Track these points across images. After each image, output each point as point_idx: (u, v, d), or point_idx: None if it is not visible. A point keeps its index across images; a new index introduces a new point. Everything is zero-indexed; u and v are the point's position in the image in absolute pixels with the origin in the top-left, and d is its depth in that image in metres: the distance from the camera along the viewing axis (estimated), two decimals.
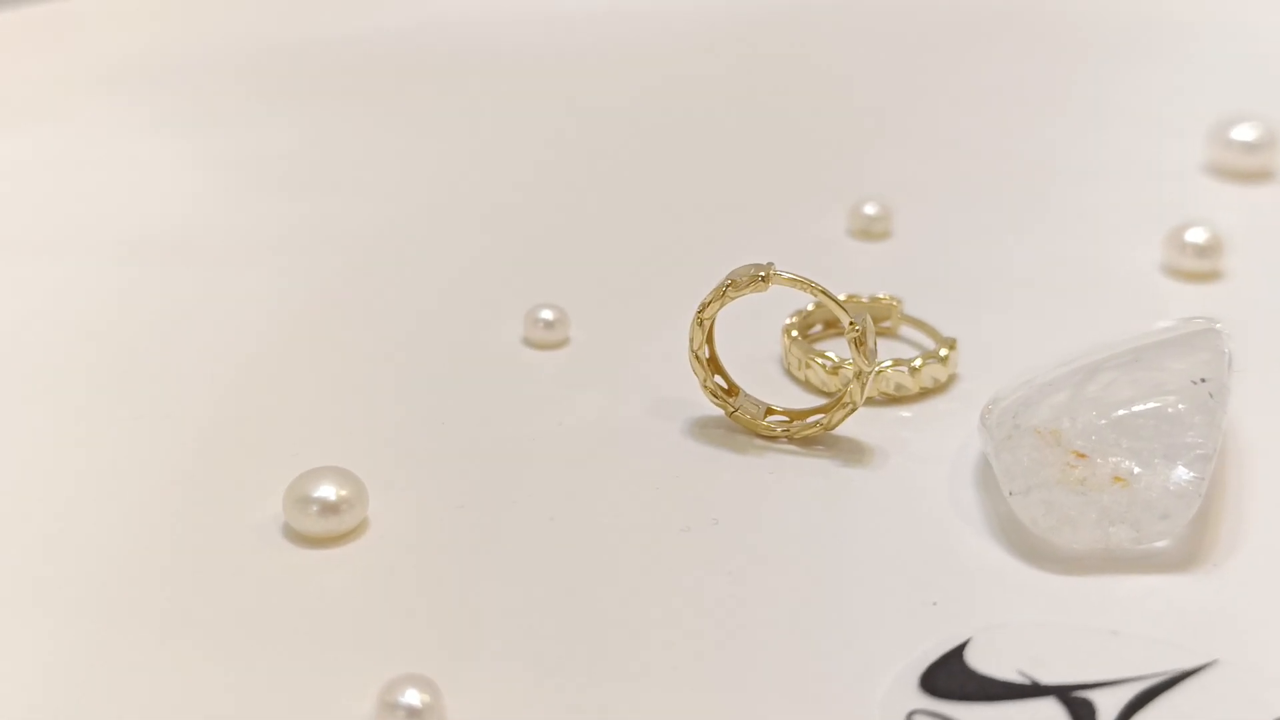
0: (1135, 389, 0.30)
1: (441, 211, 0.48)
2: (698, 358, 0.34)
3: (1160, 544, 0.31)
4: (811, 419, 0.34)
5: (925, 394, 0.36)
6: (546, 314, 0.38)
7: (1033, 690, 0.27)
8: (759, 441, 0.34)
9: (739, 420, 0.34)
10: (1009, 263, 0.43)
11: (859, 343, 0.32)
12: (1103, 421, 0.30)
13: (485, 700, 0.27)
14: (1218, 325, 0.34)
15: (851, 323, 0.32)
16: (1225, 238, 0.41)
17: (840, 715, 0.26)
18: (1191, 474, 0.29)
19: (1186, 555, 0.30)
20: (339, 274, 0.43)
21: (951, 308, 0.39)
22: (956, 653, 0.28)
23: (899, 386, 0.35)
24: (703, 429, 0.35)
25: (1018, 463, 0.30)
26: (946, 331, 0.37)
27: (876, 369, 0.33)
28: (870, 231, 0.44)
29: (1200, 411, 0.30)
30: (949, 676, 0.27)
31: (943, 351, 0.36)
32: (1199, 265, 0.41)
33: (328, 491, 0.31)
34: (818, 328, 0.38)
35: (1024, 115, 0.56)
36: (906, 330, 0.39)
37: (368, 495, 0.31)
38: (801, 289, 0.33)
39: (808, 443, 0.34)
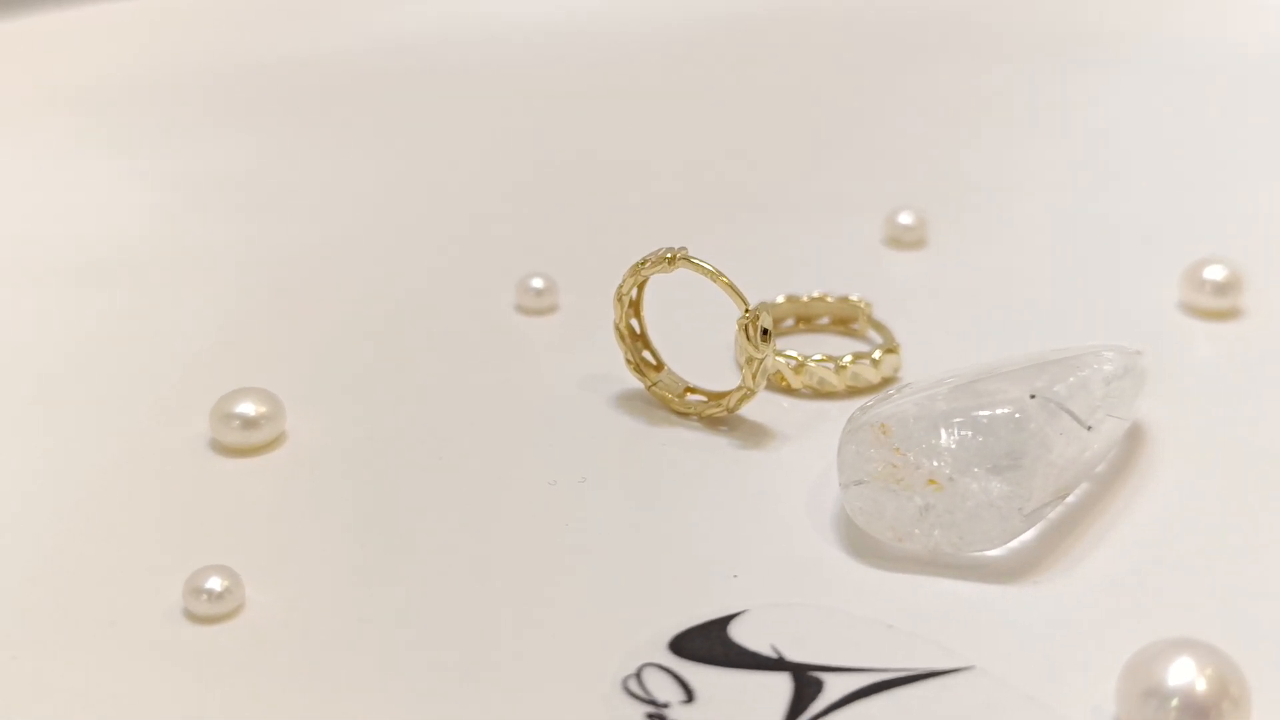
0: (978, 399, 0.30)
1: (393, 230, 0.49)
2: (620, 332, 0.36)
3: (992, 553, 0.31)
4: (714, 402, 0.35)
5: (855, 393, 0.36)
6: (537, 282, 0.41)
7: (773, 664, 0.28)
8: (674, 417, 0.36)
9: (656, 394, 0.36)
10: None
11: (747, 330, 0.34)
12: (930, 424, 0.30)
13: (292, 591, 0.30)
14: (1136, 350, 0.34)
15: (746, 310, 0.34)
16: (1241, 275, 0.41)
17: (593, 662, 0.28)
18: (1007, 488, 0.29)
19: (1015, 569, 0.30)
20: (282, 293, 0.44)
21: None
22: (721, 622, 0.29)
23: (822, 381, 0.36)
24: (631, 401, 0.37)
25: (851, 456, 0.31)
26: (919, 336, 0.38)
27: (770, 356, 0.34)
28: (902, 240, 0.45)
29: (1031, 428, 0.30)
30: (703, 641, 0.29)
31: (876, 354, 0.37)
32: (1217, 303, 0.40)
33: (247, 408, 0.35)
34: (789, 321, 0.39)
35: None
36: (874, 334, 0.39)
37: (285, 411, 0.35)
38: (707, 276, 0.34)
39: (713, 423, 0.36)
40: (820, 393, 0.36)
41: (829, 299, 0.39)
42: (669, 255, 0.35)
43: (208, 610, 0.29)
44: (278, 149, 0.56)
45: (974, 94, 0.61)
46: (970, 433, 0.30)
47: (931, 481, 0.29)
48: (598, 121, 0.59)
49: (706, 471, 0.34)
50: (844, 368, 0.36)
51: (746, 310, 0.34)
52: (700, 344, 0.38)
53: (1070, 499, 0.32)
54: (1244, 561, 0.31)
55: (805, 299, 0.39)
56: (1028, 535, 0.31)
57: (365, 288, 0.44)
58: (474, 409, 0.37)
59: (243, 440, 0.34)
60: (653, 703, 0.27)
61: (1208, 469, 0.34)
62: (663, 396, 0.36)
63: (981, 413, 0.30)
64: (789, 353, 0.36)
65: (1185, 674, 0.26)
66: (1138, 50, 0.65)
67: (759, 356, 0.34)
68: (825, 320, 0.40)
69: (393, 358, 0.40)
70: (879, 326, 0.38)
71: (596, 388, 0.37)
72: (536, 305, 0.41)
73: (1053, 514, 0.32)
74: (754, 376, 0.34)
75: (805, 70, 0.65)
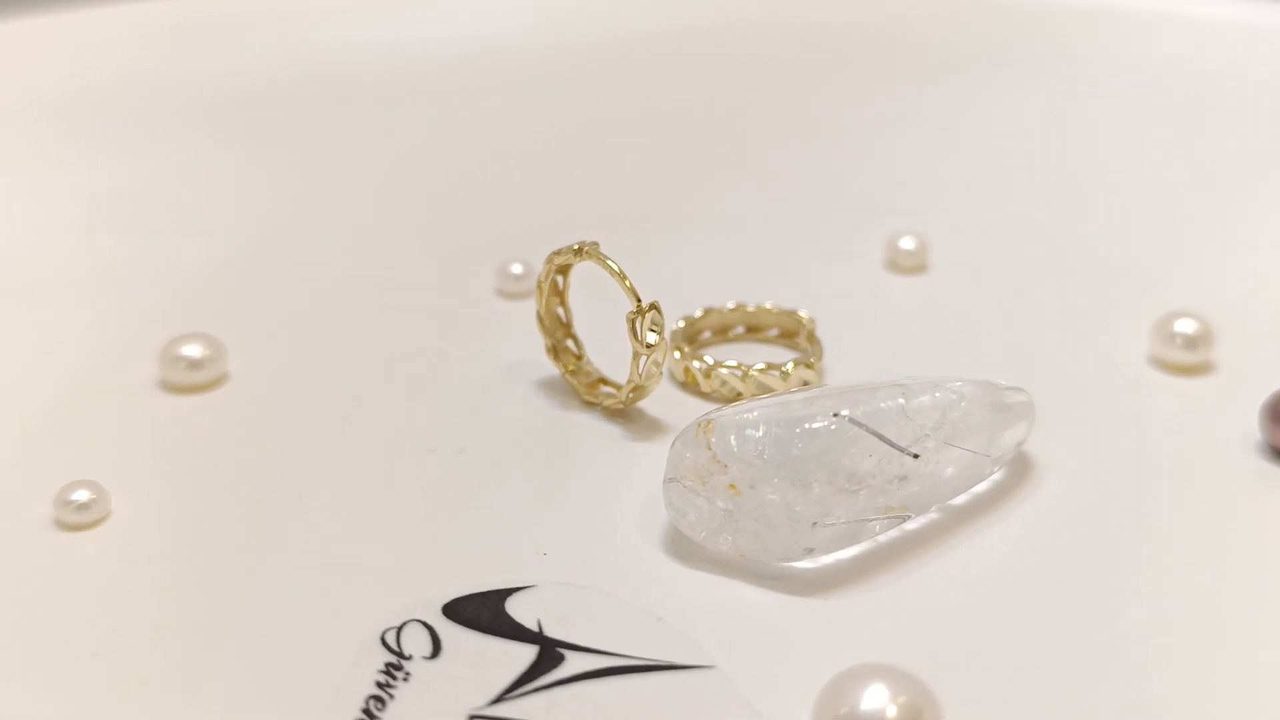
0: (797, 414, 0.31)
1: (301, 245, 0.48)
2: (540, 320, 0.38)
3: (801, 564, 0.31)
4: (616, 394, 0.37)
5: None
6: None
7: (528, 635, 0.29)
8: (585, 406, 0.38)
9: (568, 382, 0.38)
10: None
11: (634, 326, 0.35)
12: (740, 432, 0.31)
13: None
14: (1012, 387, 0.34)
15: (638, 306, 0.35)
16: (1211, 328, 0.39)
17: (373, 614, 0.30)
18: (801, 500, 0.30)
19: (817, 583, 0.31)
20: (167, 313, 0.43)
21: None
22: (502, 593, 0.31)
23: (726, 385, 0.37)
24: (554, 387, 0.39)
25: (674, 453, 0.32)
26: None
27: (660, 353, 0.36)
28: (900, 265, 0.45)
29: (831, 445, 0.30)
30: (476, 607, 0.30)
31: (789, 365, 0.37)
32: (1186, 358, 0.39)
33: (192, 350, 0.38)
34: (706, 334, 0.40)
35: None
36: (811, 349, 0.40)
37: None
38: (611, 274, 0.36)
39: (613, 414, 0.37)
40: (727, 398, 0.37)
41: (774, 309, 0.40)
42: (577, 247, 0.36)
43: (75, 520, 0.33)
44: (185, 164, 0.55)
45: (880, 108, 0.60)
46: (774, 445, 0.30)
47: (731, 487, 0.30)
48: (528, 133, 0.59)
49: (578, 455, 0.36)
50: (749, 375, 0.37)
51: (638, 307, 0.35)
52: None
53: (912, 525, 0.32)
54: (1036, 622, 0.30)
55: (752, 308, 0.40)
56: (848, 552, 0.32)
57: (272, 301, 0.44)
58: (397, 386, 0.39)
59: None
60: (399, 654, 0.29)
61: (1066, 518, 0.33)
62: (574, 385, 0.38)
63: (794, 428, 0.31)
64: (704, 357, 0.37)
65: (878, 700, 0.26)
66: (1064, 66, 0.64)
67: (641, 353, 0.35)
68: (774, 332, 0.40)
69: (300, 370, 0.40)
70: (815, 342, 0.39)
71: (524, 372, 0.39)
72: (514, 290, 0.43)
73: (884, 536, 0.32)
74: (638, 372, 0.35)
75: (737, 85, 0.64)
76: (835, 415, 0.30)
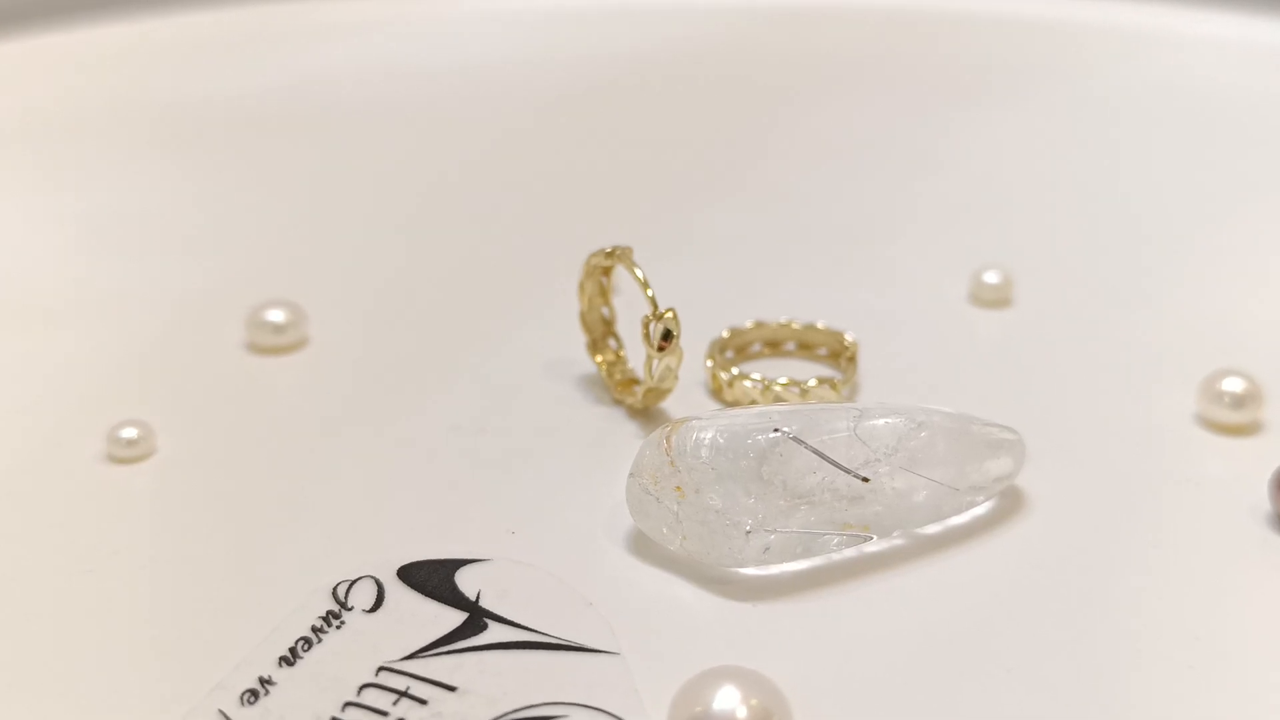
0: (759, 422, 0.33)
1: (298, 267, 0.49)
2: (582, 319, 0.40)
3: (750, 571, 0.33)
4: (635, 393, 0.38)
5: None
6: None
7: (463, 602, 0.32)
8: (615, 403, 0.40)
9: (605, 378, 0.40)
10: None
11: (648, 330, 0.37)
12: (696, 438, 0.32)
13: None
14: (1007, 431, 0.34)
15: (654, 311, 0.37)
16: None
17: (340, 569, 0.32)
18: (732, 510, 0.32)
19: (756, 590, 0.32)
20: (182, 330, 0.44)
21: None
22: (456, 562, 0.33)
23: (747, 396, 0.39)
24: (594, 382, 0.41)
25: (641, 449, 0.34)
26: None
27: (672, 359, 0.37)
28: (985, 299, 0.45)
29: (767, 459, 0.32)
30: (427, 573, 0.33)
31: (811, 382, 0.39)
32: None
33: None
34: (757, 345, 0.42)
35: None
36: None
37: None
38: (634, 279, 0.38)
39: (635, 413, 0.39)
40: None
41: (823, 329, 0.41)
42: (610, 250, 0.38)
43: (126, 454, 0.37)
44: (182, 187, 0.56)
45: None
46: (719, 453, 0.32)
47: (678, 489, 0.32)
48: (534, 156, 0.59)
49: (585, 447, 0.37)
50: (770, 389, 0.38)
51: (654, 312, 0.37)
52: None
53: (874, 547, 0.33)
54: (954, 660, 0.30)
55: (799, 326, 0.41)
56: (799, 564, 0.33)
57: (191, 362, 0.43)
58: (436, 375, 0.42)
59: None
60: (341, 605, 0.32)
61: (1036, 560, 0.33)
62: (608, 382, 0.40)
63: (741, 439, 0.32)
64: (732, 367, 0.39)
65: (729, 702, 0.27)
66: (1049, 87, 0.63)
67: (654, 356, 0.37)
68: (824, 351, 0.41)
69: (307, 384, 0.42)
70: (852, 364, 0.40)
71: (566, 368, 0.41)
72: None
73: (842, 553, 0.33)
74: (650, 374, 0.37)
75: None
76: (776, 430, 0.31)
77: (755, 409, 0.33)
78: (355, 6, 0.72)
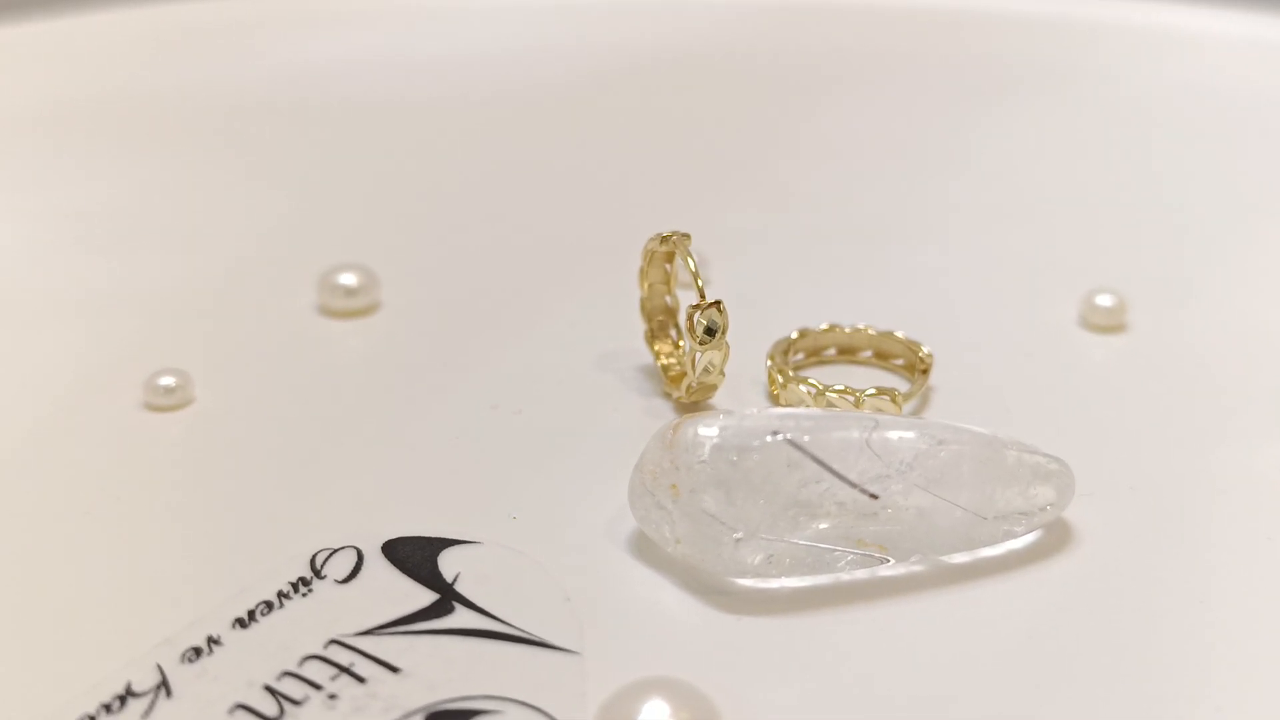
0: (769, 424, 0.31)
1: (278, 264, 0.46)
2: (642, 309, 0.39)
3: (746, 582, 0.31)
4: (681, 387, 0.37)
5: None
6: None
7: (437, 584, 0.31)
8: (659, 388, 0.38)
9: (660, 369, 0.39)
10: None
11: (690, 321, 0.35)
12: (698, 437, 0.30)
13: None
14: (1053, 461, 0.32)
15: (700, 304, 0.36)
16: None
17: (335, 535, 0.32)
18: (720, 514, 0.30)
19: (747, 604, 0.30)
20: (143, 334, 0.42)
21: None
22: (442, 542, 0.32)
23: (800, 401, 0.37)
24: (652, 373, 0.39)
25: (649, 443, 0.32)
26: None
27: (717, 353, 0.35)
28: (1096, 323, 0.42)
29: (757, 462, 0.30)
30: (411, 550, 0.31)
31: (870, 390, 0.36)
32: None
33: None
34: (831, 350, 0.40)
35: None
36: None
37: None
38: (686, 268, 0.36)
39: (682, 409, 0.38)
40: None
41: (902, 339, 0.39)
42: (666, 235, 0.37)
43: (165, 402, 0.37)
44: (156, 182, 0.53)
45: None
46: (717, 454, 0.30)
47: (673, 487, 0.30)
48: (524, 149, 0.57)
49: (619, 439, 0.35)
50: (822, 394, 0.36)
51: (700, 304, 0.35)
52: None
53: (889, 571, 0.31)
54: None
55: (874, 333, 0.39)
56: (803, 580, 0.31)
57: (253, 321, 0.43)
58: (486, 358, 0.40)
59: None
60: (315, 573, 0.31)
61: (1066, 607, 0.30)
62: (662, 374, 0.38)
63: (744, 440, 0.30)
64: (789, 370, 0.37)
65: (656, 715, 0.26)
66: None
67: (696, 349, 0.35)
68: (900, 361, 0.39)
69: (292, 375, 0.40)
70: (922, 378, 0.37)
71: (626, 358, 0.39)
72: None
73: (853, 573, 0.31)
74: (692, 368, 0.35)
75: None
76: (775, 434, 0.29)
77: (770, 411, 0.30)
78: None
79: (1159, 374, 0.39)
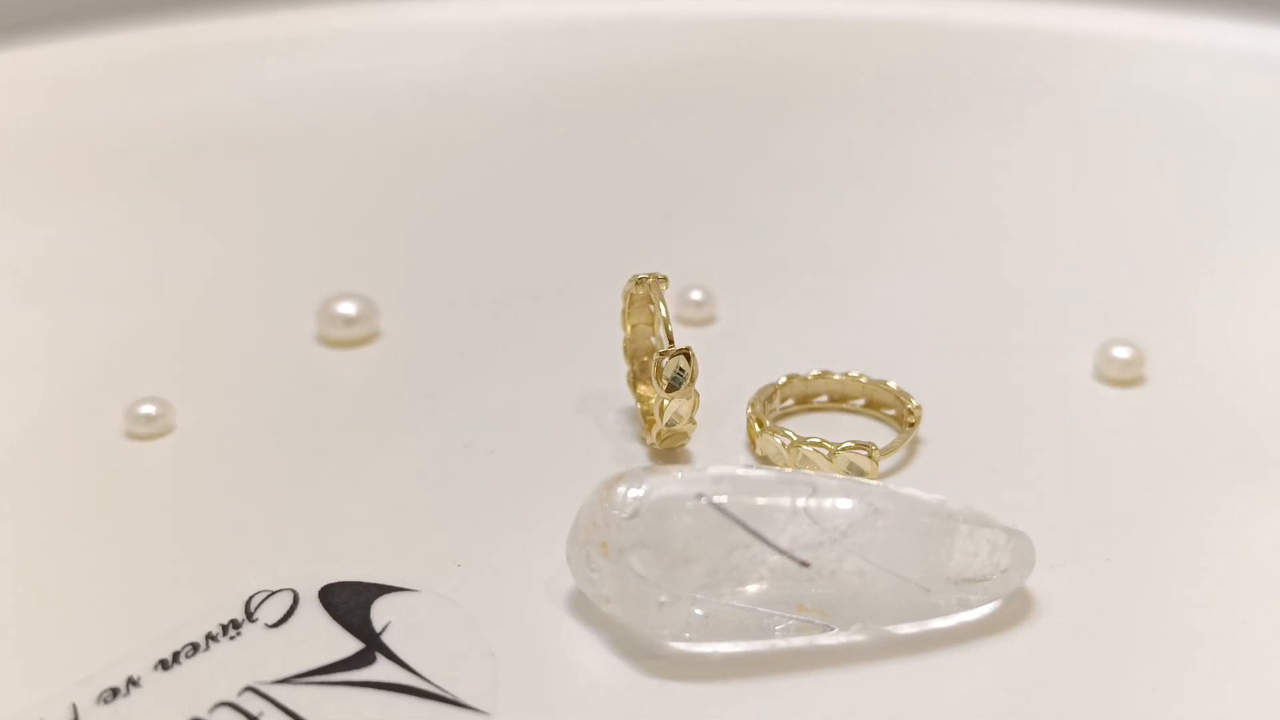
0: (697, 484, 0.30)
1: (230, 309, 0.45)
2: (624, 348, 0.38)
3: (681, 645, 0.30)
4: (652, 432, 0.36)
5: None
6: None
7: (364, 632, 0.31)
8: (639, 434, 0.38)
9: (640, 413, 0.38)
10: None
11: (657, 368, 0.35)
12: (632, 497, 0.30)
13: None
14: (1011, 534, 0.30)
15: (667, 350, 0.35)
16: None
17: (273, 574, 0.32)
18: (658, 574, 0.29)
19: (682, 667, 0.30)
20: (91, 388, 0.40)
21: None
22: (378, 588, 0.32)
23: (775, 452, 0.36)
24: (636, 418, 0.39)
25: (588, 498, 0.31)
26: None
27: (681, 402, 0.35)
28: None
29: (681, 524, 0.29)
30: (347, 596, 0.31)
31: (846, 444, 0.35)
32: None
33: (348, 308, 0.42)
34: (789, 402, 0.38)
35: None
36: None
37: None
38: (654, 314, 0.36)
39: (658, 455, 0.37)
40: (771, 463, 0.36)
41: (894, 389, 0.37)
42: (642, 277, 0.36)
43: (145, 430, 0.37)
44: (96, 226, 0.50)
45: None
46: (646, 513, 0.29)
47: (603, 545, 0.30)
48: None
49: (581, 485, 0.33)
50: (795, 448, 0.35)
51: (667, 350, 0.34)
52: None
53: (831, 639, 0.30)
54: None
55: (865, 381, 0.38)
56: (740, 646, 0.30)
57: (198, 374, 0.41)
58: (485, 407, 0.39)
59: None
60: (247, 615, 0.31)
61: (1011, 682, 0.29)
62: (642, 419, 0.37)
63: (673, 502, 0.29)
64: (766, 420, 0.36)
65: None
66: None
67: (662, 395, 0.34)
68: (891, 413, 0.38)
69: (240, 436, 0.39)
70: (909, 431, 0.36)
71: (612, 400, 0.39)
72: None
73: (786, 643, 0.30)
74: (658, 416, 0.35)
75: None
76: (700, 497, 0.28)
77: (707, 471, 0.30)
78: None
79: (1160, 432, 0.37)
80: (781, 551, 0.28)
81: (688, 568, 0.28)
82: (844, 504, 0.29)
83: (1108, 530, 0.33)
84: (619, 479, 0.30)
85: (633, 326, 0.37)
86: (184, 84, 0.62)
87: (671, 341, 0.34)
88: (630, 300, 0.36)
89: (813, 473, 0.30)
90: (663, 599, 0.29)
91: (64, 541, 0.34)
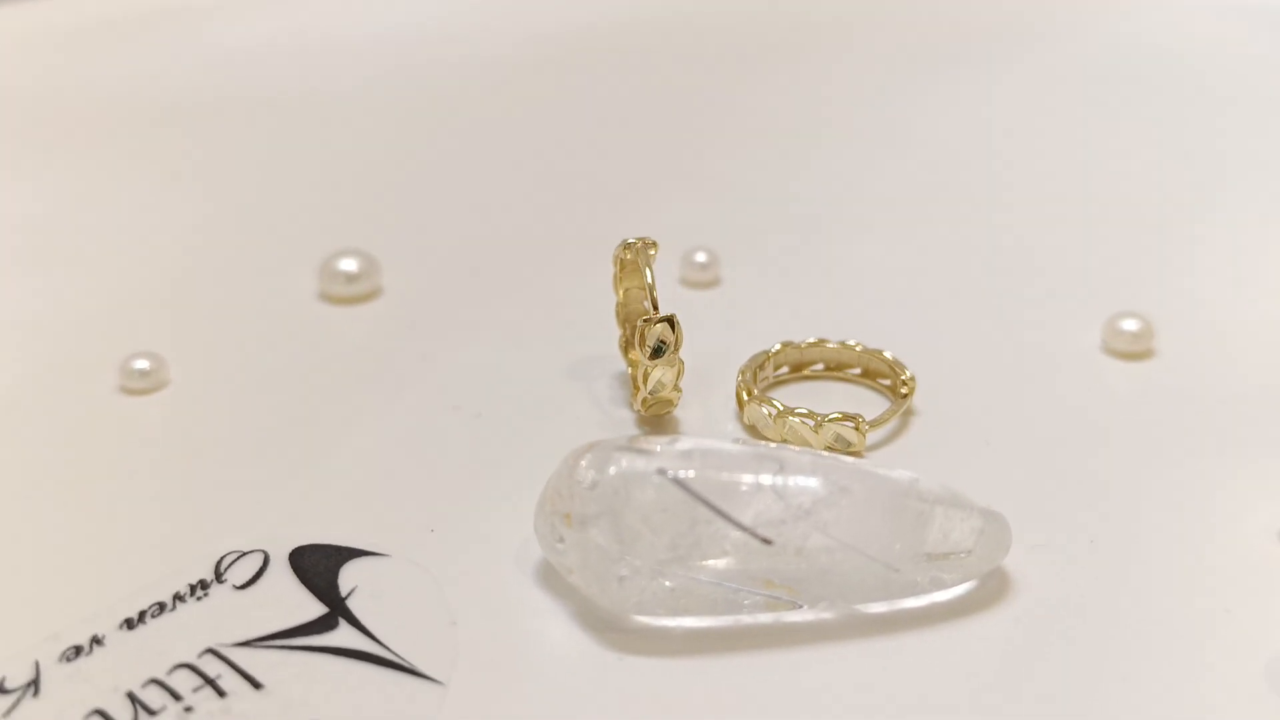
0: (663, 458, 0.30)
1: (209, 273, 0.45)
2: (616, 312, 0.38)
3: (645, 619, 0.30)
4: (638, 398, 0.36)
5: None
6: None
7: (329, 596, 0.31)
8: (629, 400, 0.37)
9: (631, 380, 0.38)
10: None
11: (641, 335, 0.34)
12: (598, 468, 0.29)
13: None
14: (985, 515, 0.30)
15: (650, 317, 0.34)
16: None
17: (244, 538, 0.32)
18: (617, 548, 0.29)
19: (642, 641, 0.29)
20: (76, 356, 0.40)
21: None
22: (348, 552, 0.32)
23: (760, 421, 0.35)
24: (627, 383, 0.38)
25: (557, 468, 0.31)
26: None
27: (664, 369, 0.34)
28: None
29: (641, 498, 0.29)
30: (316, 558, 0.32)
31: (833, 416, 0.35)
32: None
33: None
34: (783, 370, 0.38)
35: None
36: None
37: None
38: (643, 280, 0.35)
39: (645, 422, 0.37)
40: (758, 433, 0.35)
41: (890, 359, 0.37)
42: (631, 241, 0.35)
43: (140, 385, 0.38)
44: (71, 190, 0.50)
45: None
46: (608, 486, 0.29)
47: (566, 516, 0.29)
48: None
49: (560, 444, 0.33)
50: (782, 418, 0.35)
51: (650, 317, 0.34)
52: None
53: (796, 616, 0.30)
54: None
55: (860, 349, 0.37)
56: (704, 621, 0.30)
57: (197, 331, 0.41)
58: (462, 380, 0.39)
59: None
60: (216, 576, 0.31)
61: (975, 664, 0.28)
62: (632, 385, 0.37)
63: (635, 476, 0.29)
64: (754, 389, 0.36)
65: None
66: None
67: (644, 362, 0.34)
68: (886, 383, 0.37)
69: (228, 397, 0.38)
70: (903, 402, 0.36)
71: (604, 365, 0.38)
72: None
73: (751, 619, 0.30)
74: (641, 382, 0.34)
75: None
76: (659, 472, 0.28)
77: (675, 446, 0.29)
78: None
79: (1161, 408, 0.36)
80: (743, 528, 0.28)
81: (648, 541, 0.28)
82: (810, 482, 0.28)
83: (1097, 510, 0.32)
84: (588, 448, 0.29)
85: (625, 291, 0.37)
86: (179, 42, 0.62)
87: (656, 308, 0.34)
88: (621, 265, 0.36)
89: (790, 448, 0.29)
90: (623, 573, 0.28)
91: (44, 496, 0.34)
